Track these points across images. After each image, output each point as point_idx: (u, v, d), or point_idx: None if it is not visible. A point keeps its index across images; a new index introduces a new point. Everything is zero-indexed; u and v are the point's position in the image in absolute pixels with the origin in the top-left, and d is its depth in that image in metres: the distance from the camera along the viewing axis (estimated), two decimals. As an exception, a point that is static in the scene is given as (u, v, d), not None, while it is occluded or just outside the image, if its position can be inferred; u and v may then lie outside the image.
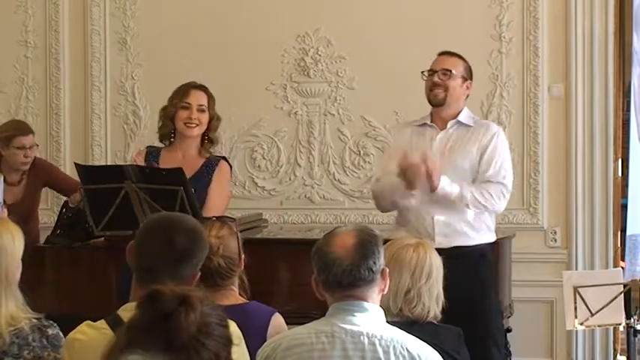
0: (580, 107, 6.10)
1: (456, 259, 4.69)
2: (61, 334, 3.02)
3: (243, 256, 3.60)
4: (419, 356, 2.81)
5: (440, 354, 2.90)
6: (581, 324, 4.67)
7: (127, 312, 2.73)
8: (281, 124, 6.41)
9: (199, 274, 2.85)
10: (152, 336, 1.89)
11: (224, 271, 3.51)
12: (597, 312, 4.63)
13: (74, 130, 6.62)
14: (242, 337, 2.91)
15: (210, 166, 5.03)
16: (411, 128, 5.03)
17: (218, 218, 3.85)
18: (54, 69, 6.61)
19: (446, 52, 5.08)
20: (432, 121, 4.98)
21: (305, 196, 6.40)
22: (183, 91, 5.06)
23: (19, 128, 5.85)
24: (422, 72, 5.00)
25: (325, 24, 6.35)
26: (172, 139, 5.09)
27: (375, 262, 2.87)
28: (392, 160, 4.91)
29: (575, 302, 4.64)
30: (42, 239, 5.67)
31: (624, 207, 6.23)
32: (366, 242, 2.89)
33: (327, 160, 6.36)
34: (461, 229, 4.83)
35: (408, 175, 4.68)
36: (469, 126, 4.94)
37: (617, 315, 4.69)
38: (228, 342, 1.97)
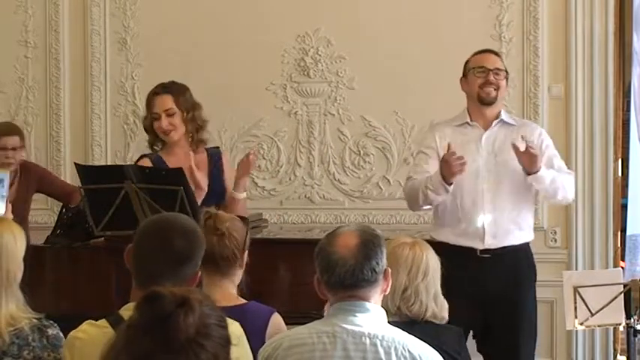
0: (580, 107, 6.10)
1: (504, 259, 4.72)
2: (61, 334, 3.02)
3: (246, 251, 3.58)
4: (420, 357, 2.81)
5: (441, 354, 2.90)
6: (581, 324, 4.67)
7: (128, 311, 2.73)
8: (281, 124, 6.41)
9: (200, 274, 2.85)
10: (151, 337, 1.89)
11: (228, 252, 3.48)
12: (597, 312, 4.63)
13: (74, 130, 6.61)
14: (244, 336, 2.91)
15: (214, 157, 5.08)
16: (452, 128, 4.95)
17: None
18: (54, 69, 6.61)
19: (490, 50, 5.08)
20: (472, 120, 4.93)
21: (305, 196, 6.40)
22: (148, 101, 5.10)
23: (2, 129, 5.81)
24: (472, 68, 4.92)
25: (325, 24, 6.35)
26: (160, 145, 5.10)
27: (377, 263, 2.87)
28: (427, 160, 4.88)
29: (575, 302, 4.64)
30: (38, 241, 5.65)
31: (624, 207, 6.23)
32: (369, 242, 2.89)
33: (327, 160, 6.36)
34: (507, 227, 4.82)
35: (447, 167, 4.63)
36: (512, 124, 4.93)
37: (617, 315, 4.68)
38: (227, 343, 1.97)
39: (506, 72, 4.98)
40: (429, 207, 4.95)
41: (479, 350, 5.48)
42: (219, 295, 3.38)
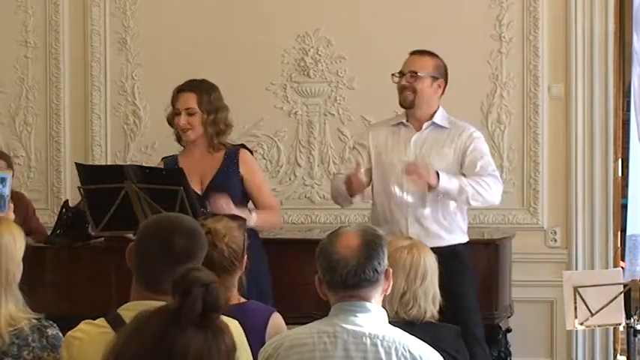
0: (580, 107, 6.10)
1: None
2: (60, 334, 3.02)
3: (245, 256, 3.59)
4: (420, 357, 2.81)
5: (439, 353, 2.90)
6: (581, 324, 4.67)
7: (127, 311, 2.73)
8: (281, 124, 6.41)
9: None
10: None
11: (226, 262, 3.50)
12: (597, 312, 4.63)
13: (74, 130, 6.62)
14: (243, 335, 2.91)
15: (231, 156, 4.93)
16: (387, 128, 5.01)
17: (229, 216, 3.86)
18: (54, 69, 6.61)
19: (417, 51, 5.04)
20: (407, 120, 4.97)
21: (305, 196, 6.40)
22: (173, 95, 5.03)
23: None
24: (392, 74, 4.97)
25: (325, 24, 6.35)
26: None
27: (379, 263, 2.88)
28: (357, 157, 4.96)
29: (575, 302, 4.64)
30: (38, 242, 5.65)
31: (624, 207, 6.23)
32: (371, 242, 2.89)
33: (327, 160, 6.36)
34: (434, 230, 4.82)
35: (349, 184, 4.77)
36: (444, 127, 4.92)
37: (617, 315, 4.68)
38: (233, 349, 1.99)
39: (438, 71, 4.92)
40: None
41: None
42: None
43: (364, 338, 2.82)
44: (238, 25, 6.39)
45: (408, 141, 4.91)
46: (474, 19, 6.17)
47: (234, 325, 2.73)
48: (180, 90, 4.97)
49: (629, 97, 6.34)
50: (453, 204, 4.86)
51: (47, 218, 6.36)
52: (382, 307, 3.01)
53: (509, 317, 5.73)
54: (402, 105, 4.95)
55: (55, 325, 3.07)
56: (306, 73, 6.38)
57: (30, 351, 3.00)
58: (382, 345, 2.81)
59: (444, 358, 2.92)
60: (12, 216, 4.29)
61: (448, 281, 4.65)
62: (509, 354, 5.66)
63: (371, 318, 2.86)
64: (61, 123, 6.61)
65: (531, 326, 6.03)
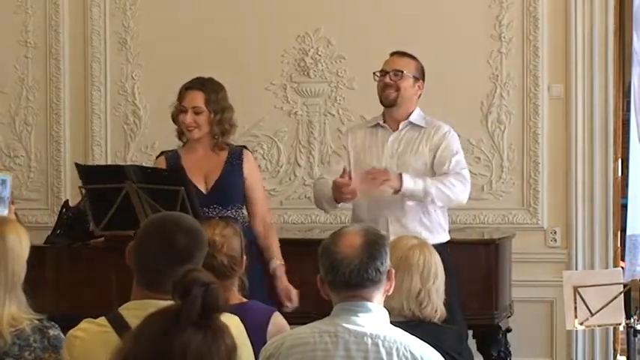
0: (580, 107, 6.10)
1: None
2: (62, 335, 3.02)
3: (244, 257, 3.60)
4: (422, 358, 2.81)
5: (441, 354, 2.90)
6: (581, 324, 4.67)
7: (127, 310, 2.74)
8: (281, 124, 6.41)
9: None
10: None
11: (226, 270, 3.51)
12: (597, 312, 4.63)
13: (74, 130, 6.61)
14: (244, 332, 2.91)
15: (235, 156, 4.92)
16: (364, 130, 5.05)
17: (221, 218, 3.84)
18: (54, 69, 6.61)
19: (398, 52, 5.07)
20: (384, 122, 4.99)
21: (305, 196, 6.39)
22: (180, 92, 5.01)
23: None
24: (374, 73, 5.00)
25: (325, 24, 6.35)
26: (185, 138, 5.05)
27: (382, 263, 2.88)
28: (338, 161, 4.99)
29: (575, 302, 4.64)
30: (38, 241, 5.65)
31: (624, 207, 6.23)
32: (374, 242, 2.90)
33: (327, 160, 6.34)
34: (414, 229, 4.82)
35: (336, 191, 4.77)
36: (421, 127, 4.94)
37: (617, 315, 4.69)
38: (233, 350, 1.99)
39: (418, 71, 4.95)
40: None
41: (479, 349, 5.49)
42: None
43: (365, 338, 2.82)
44: (238, 25, 6.39)
45: (385, 141, 4.94)
46: (473, 19, 6.18)
47: (234, 322, 2.74)
48: (188, 88, 4.96)
49: (629, 97, 6.34)
50: (431, 204, 4.86)
51: (47, 218, 6.37)
52: (399, 306, 3.02)
53: (509, 317, 5.73)
54: (383, 103, 4.98)
55: (56, 325, 3.07)
56: (306, 73, 6.39)
57: (31, 351, 3.00)
58: (383, 345, 2.81)
59: (445, 359, 2.93)
60: (13, 217, 4.29)
61: None
62: (509, 354, 5.66)
63: (372, 318, 2.86)
64: (61, 123, 6.61)
65: (531, 326, 6.03)
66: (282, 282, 4.85)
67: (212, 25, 6.41)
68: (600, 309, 4.62)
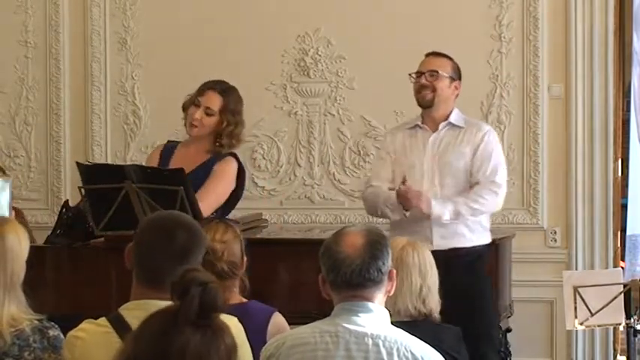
0: (580, 107, 6.10)
1: (454, 260, 4.72)
2: (62, 335, 3.02)
3: (245, 258, 3.60)
4: (422, 358, 2.82)
5: (441, 354, 2.91)
6: (581, 324, 4.67)
7: (128, 310, 2.74)
8: (281, 124, 6.41)
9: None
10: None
11: (227, 275, 3.51)
12: (597, 312, 4.63)
13: (74, 130, 6.61)
14: (243, 332, 2.91)
15: (212, 160, 4.93)
16: (403, 132, 5.05)
17: (221, 220, 3.83)
18: (54, 69, 6.61)
19: (433, 52, 5.08)
20: (423, 123, 4.99)
21: (305, 196, 6.40)
22: (201, 88, 5.01)
23: None
24: (409, 74, 5.01)
25: (325, 24, 6.35)
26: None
27: (383, 263, 2.89)
28: (385, 166, 4.98)
29: (575, 302, 4.64)
30: (38, 241, 5.65)
31: (624, 207, 6.23)
32: (376, 242, 2.91)
33: (327, 160, 6.36)
34: (458, 230, 4.84)
35: (403, 200, 4.76)
36: (460, 127, 4.95)
37: (617, 315, 4.69)
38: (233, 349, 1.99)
39: (454, 71, 4.96)
40: None
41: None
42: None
43: (366, 338, 2.82)
44: (238, 25, 6.39)
45: (425, 142, 4.93)
46: (474, 19, 6.17)
47: (233, 323, 2.74)
48: (211, 87, 4.97)
49: (629, 97, 6.34)
50: None
51: (47, 218, 6.36)
52: (404, 306, 3.04)
53: (509, 317, 5.72)
54: (420, 104, 4.96)
55: (56, 326, 3.07)
56: (306, 73, 6.38)
57: (31, 352, 3.00)
58: (384, 345, 2.82)
59: (445, 359, 2.93)
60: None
61: (470, 281, 4.69)
62: (509, 354, 5.66)
63: (373, 318, 2.86)
64: (61, 123, 6.60)
65: (531, 326, 6.02)
66: None
67: (212, 25, 6.41)
68: (600, 309, 4.62)
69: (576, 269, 5.99)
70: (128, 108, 6.56)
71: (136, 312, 2.63)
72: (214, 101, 4.92)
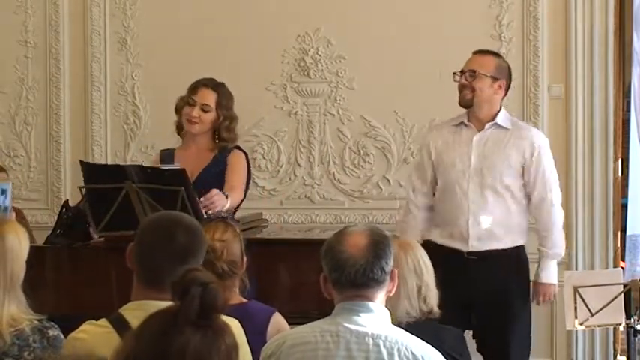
0: (580, 107, 6.10)
1: (490, 261, 4.73)
2: (62, 335, 3.02)
3: (245, 258, 3.60)
4: (423, 358, 2.82)
5: (442, 354, 2.91)
6: (581, 324, 4.67)
7: (129, 311, 2.74)
8: (281, 124, 6.41)
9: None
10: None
11: (226, 275, 3.51)
12: (597, 312, 4.63)
13: (74, 130, 6.61)
14: (243, 334, 2.91)
15: (222, 156, 4.93)
16: (448, 128, 4.99)
17: (221, 220, 3.83)
18: (54, 69, 6.61)
19: (479, 50, 5.03)
20: (468, 121, 4.93)
21: (305, 196, 6.40)
22: (193, 86, 5.02)
23: None
24: (454, 73, 4.95)
25: (325, 24, 6.35)
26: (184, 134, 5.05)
27: (387, 263, 2.90)
28: (426, 172, 4.95)
29: (575, 302, 4.64)
30: (38, 241, 5.65)
31: (624, 207, 6.23)
32: (379, 242, 2.91)
33: (327, 160, 6.36)
34: (494, 230, 4.83)
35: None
36: (507, 128, 4.90)
37: (617, 315, 4.69)
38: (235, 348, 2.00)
39: (497, 71, 4.90)
40: None
41: (478, 350, 5.48)
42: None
43: (367, 338, 2.83)
44: (238, 25, 6.39)
45: (470, 140, 4.89)
46: (473, 19, 6.17)
47: (233, 325, 2.73)
48: (203, 84, 4.98)
49: (629, 97, 6.34)
50: (513, 206, 4.88)
51: (47, 218, 6.36)
52: (406, 309, 3.04)
53: (509, 317, 5.72)
54: (460, 104, 4.92)
55: (56, 326, 3.07)
56: (306, 73, 6.38)
57: (31, 351, 3.00)
58: (385, 345, 2.82)
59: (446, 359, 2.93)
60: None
61: (504, 281, 4.70)
62: (510, 354, 5.66)
63: (374, 318, 2.87)
64: (61, 123, 6.60)
65: (531, 326, 6.01)
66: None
67: (212, 25, 6.41)
68: (600, 309, 4.62)
69: (576, 269, 5.99)
70: (128, 108, 6.56)
71: (136, 312, 2.63)
72: (209, 97, 4.94)
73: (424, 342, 2.88)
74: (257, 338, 3.19)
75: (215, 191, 4.60)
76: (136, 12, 6.53)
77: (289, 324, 3.56)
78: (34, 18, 6.62)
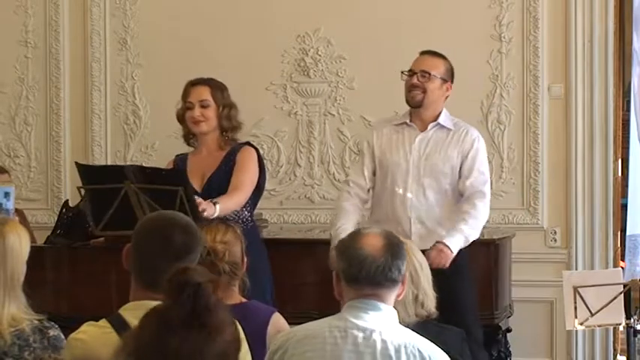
0: (580, 107, 6.10)
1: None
2: (62, 335, 3.02)
3: (245, 258, 3.60)
4: (430, 357, 2.84)
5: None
6: (581, 324, 4.67)
7: (128, 311, 2.74)
8: (281, 124, 6.41)
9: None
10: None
11: (228, 276, 3.51)
12: (597, 312, 4.63)
13: (74, 130, 6.61)
14: (242, 335, 2.91)
15: (232, 154, 4.90)
16: (390, 127, 5.02)
17: (222, 221, 3.82)
18: (54, 69, 6.61)
19: (427, 51, 5.05)
20: (411, 121, 4.97)
21: (305, 196, 6.40)
22: (185, 90, 5.02)
23: None
24: (401, 72, 4.98)
25: (325, 24, 6.35)
26: (194, 141, 5.03)
27: (402, 264, 2.95)
28: (365, 169, 4.95)
29: (575, 302, 4.64)
30: (38, 241, 5.65)
31: (624, 207, 6.23)
32: (395, 244, 2.97)
33: (327, 160, 6.36)
34: (438, 230, 4.84)
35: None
36: (449, 129, 4.94)
37: (617, 315, 4.69)
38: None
39: (446, 72, 4.93)
40: None
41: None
42: (220, 294, 3.39)
43: (374, 335, 2.86)
44: (238, 25, 6.39)
45: (412, 141, 4.92)
46: (473, 19, 6.17)
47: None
48: (193, 84, 4.97)
49: (629, 97, 6.34)
50: (454, 205, 4.88)
51: (47, 218, 6.37)
52: (402, 315, 3.05)
53: (509, 317, 5.73)
54: (409, 103, 4.95)
55: (56, 326, 3.07)
56: (306, 73, 6.38)
57: (31, 352, 3.00)
58: (392, 342, 2.85)
59: (447, 360, 2.95)
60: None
61: (448, 280, 4.68)
62: (509, 354, 5.66)
63: (382, 317, 2.90)
64: (61, 123, 6.61)
65: (531, 326, 6.03)
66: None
67: (212, 25, 6.41)
68: (600, 309, 4.62)
69: (576, 269, 5.99)
70: (128, 108, 6.56)
71: (136, 312, 2.63)
72: (203, 93, 4.93)
73: (431, 343, 2.90)
74: (257, 338, 3.19)
75: (199, 200, 4.56)
76: (136, 12, 6.54)
77: (289, 324, 3.56)
78: (34, 18, 6.62)
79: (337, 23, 6.33)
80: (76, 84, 6.61)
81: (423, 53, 5.04)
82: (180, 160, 5.00)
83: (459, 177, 4.89)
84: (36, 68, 6.63)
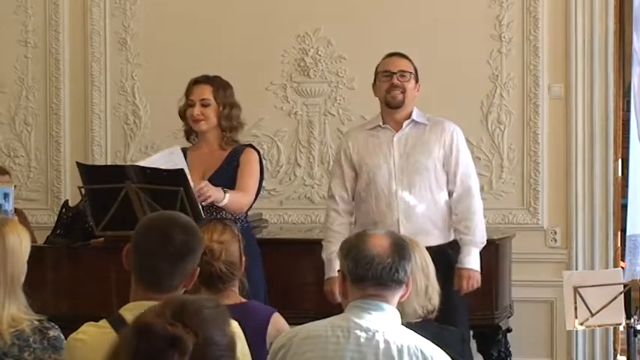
0: (580, 107, 6.10)
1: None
2: (62, 335, 3.02)
3: (244, 258, 3.59)
4: (431, 358, 2.85)
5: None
6: (581, 324, 4.67)
7: (128, 311, 2.74)
8: (281, 124, 6.41)
9: (199, 269, 2.85)
10: None
11: (225, 276, 3.50)
12: (597, 312, 4.63)
13: (74, 130, 6.62)
14: (242, 336, 2.91)
15: (234, 155, 4.89)
16: (364, 132, 5.00)
17: (219, 220, 3.81)
18: (54, 69, 6.61)
19: (397, 53, 5.03)
20: (384, 123, 4.95)
21: (305, 196, 6.40)
22: (187, 88, 5.02)
23: None
24: (377, 73, 4.96)
25: (325, 24, 6.35)
26: (195, 137, 5.03)
27: (408, 264, 2.96)
28: (345, 179, 4.94)
29: (575, 302, 4.64)
30: (38, 241, 5.65)
31: (624, 207, 6.23)
32: (402, 245, 2.98)
33: (327, 160, 6.36)
34: (427, 228, 4.83)
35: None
36: (424, 124, 4.93)
37: (617, 315, 4.68)
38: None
39: (415, 73, 4.94)
40: None
41: (479, 350, 5.49)
42: (219, 297, 3.39)
43: (377, 335, 2.86)
44: (238, 25, 6.39)
45: (390, 141, 4.90)
46: (473, 19, 6.17)
47: (233, 325, 2.73)
48: (196, 82, 4.97)
49: (629, 97, 6.34)
50: (443, 201, 4.87)
51: (47, 218, 6.37)
52: (412, 309, 3.05)
53: (509, 317, 5.73)
54: (389, 105, 4.91)
55: (56, 326, 3.06)
56: (306, 73, 6.39)
57: (31, 352, 3.00)
58: (394, 342, 2.85)
59: (449, 361, 2.95)
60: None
61: (438, 279, 4.67)
62: (509, 354, 5.66)
63: (385, 317, 2.91)
64: (61, 123, 6.61)
65: (531, 326, 6.03)
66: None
67: (212, 25, 6.41)
68: (600, 309, 4.62)
69: (576, 269, 5.99)
70: (128, 108, 6.56)
71: (136, 312, 2.62)
72: (205, 91, 4.92)
73: (434, 344, 2.91)
74: (257, 338, 3.19)
75: (204, 182, 4.57)
76: (136, 12, 6.54)
77: (289, 324, 3.56)
78: (34, 18, 6.62)
79: (337, 23, 6.33)
80: (76, 84, 6.61)
81: (394, 55, 5.02)
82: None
83: (446, 172, 4.88)
84: (36, 68, 6.64)
